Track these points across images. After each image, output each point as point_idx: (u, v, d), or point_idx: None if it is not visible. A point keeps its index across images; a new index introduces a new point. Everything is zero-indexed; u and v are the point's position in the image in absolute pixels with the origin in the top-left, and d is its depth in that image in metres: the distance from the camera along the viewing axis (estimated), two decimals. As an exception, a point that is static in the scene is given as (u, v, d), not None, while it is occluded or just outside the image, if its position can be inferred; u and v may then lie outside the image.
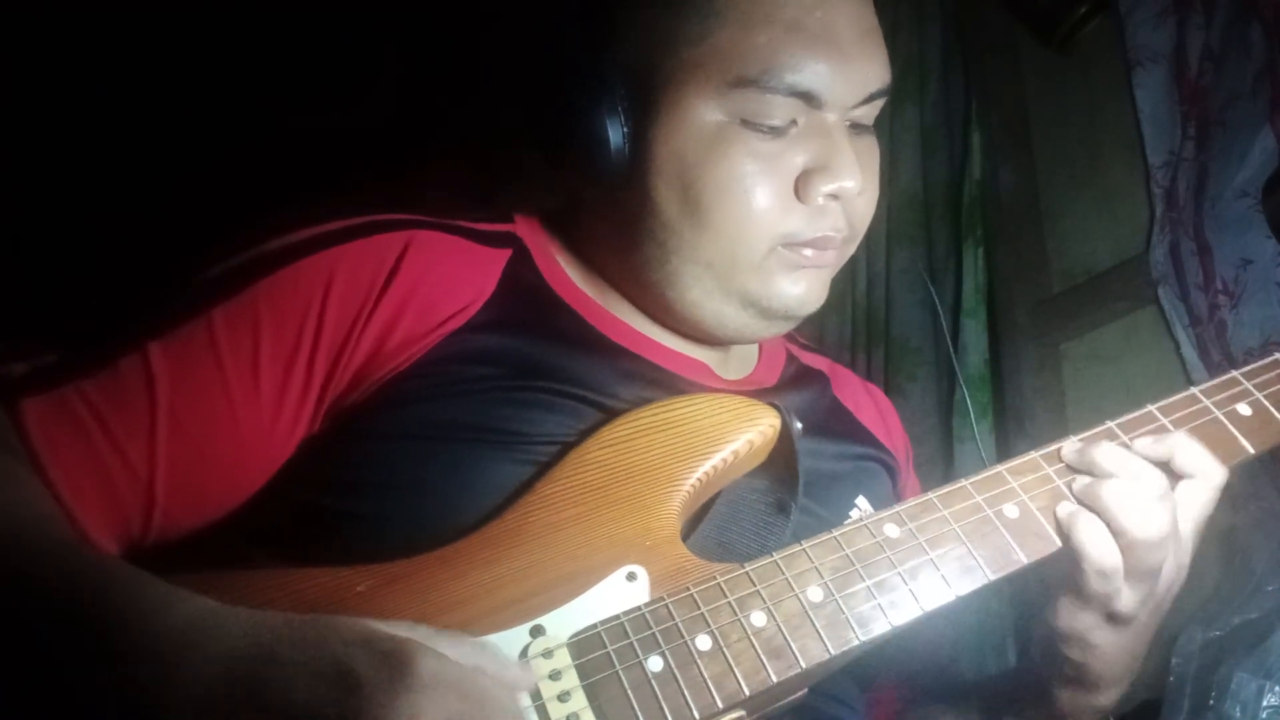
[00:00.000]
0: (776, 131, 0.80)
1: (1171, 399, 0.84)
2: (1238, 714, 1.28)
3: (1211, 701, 1.31)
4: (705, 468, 0.77)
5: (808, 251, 0.83)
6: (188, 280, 0.78)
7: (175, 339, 0.74)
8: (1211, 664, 1.34)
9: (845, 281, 2.37)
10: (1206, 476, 0.77)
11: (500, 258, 0.87)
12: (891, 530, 0.74)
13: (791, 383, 0.99)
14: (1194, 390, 0.85)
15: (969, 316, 2.08)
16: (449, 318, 0.80)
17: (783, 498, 0.81)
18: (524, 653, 0.65)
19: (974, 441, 2.01)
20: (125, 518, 0.72)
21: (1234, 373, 0.85)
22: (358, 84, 2.29)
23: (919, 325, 2.21)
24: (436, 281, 0.80)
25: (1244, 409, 0.83)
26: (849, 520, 0.87)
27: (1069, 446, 0.80)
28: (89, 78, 2.06)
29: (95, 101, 2.07)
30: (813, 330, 2.40)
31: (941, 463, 2.07)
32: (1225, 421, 0.82)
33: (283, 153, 2.05)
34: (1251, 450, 0.82)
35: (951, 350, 2.08)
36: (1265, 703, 1.26)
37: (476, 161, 2.22)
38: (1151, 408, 0.83)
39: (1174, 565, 0.77)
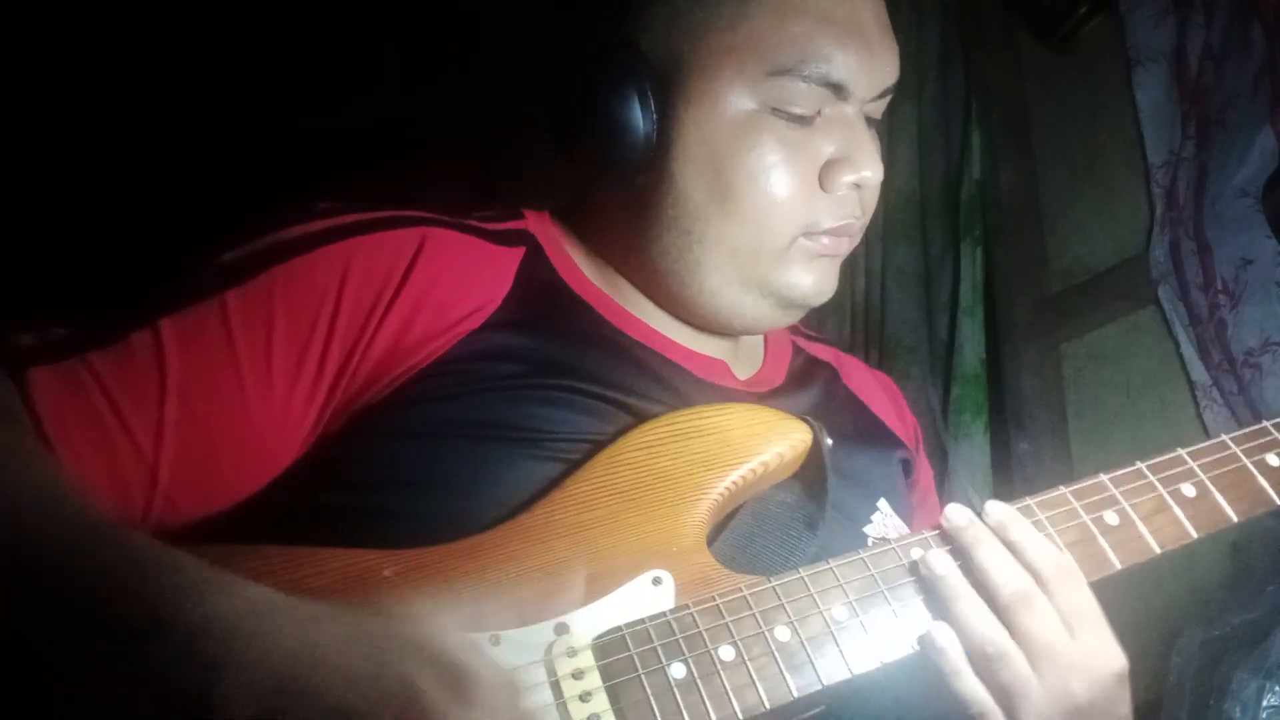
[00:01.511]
0: (803, 121, 0.81)
1: (1201, 445, 0.83)
2: (1238, 714, 1.28)
3: (1211, 701, 1.32)
4: (734, 477, 0.76)
5: (825, 240, 0.84)
6: (203, 261, 0.77)
7: (188, 317, 0.73)
8: (1211, 664, 1.35)
9: (844, 281, 2.37)
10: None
11: (514, 256, 0.87)
12: (919, 554, 0.73)
13: (800, 379, 0.99)
14: (1225, 438, 0.84)
15: (966, 315, 2.09)
16: (465, 317, 0.79)
17: (810, 512, 0.80)
18: (548, 650, 0.65)
19: (969, 441, 2.02)
20: (126, 495, 0.71)
21: (1266, 423, 0.84)
22: (358, 84, 2.28)
23: (913, 324, 2.22)
24: (452, 280, 0.80)
25: (1273, 459, 0.83)
26: (869, 525, 0.87)
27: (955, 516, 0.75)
28: (94, 75, 2.05)
29: (100, 99, 2.06)
30: (813, 324, 2.41)
31: (935, 462, 2.07)
32: (1254, 470, 0.82)
33: (283, 152, 2.04)
34: (1279, 502, 0.81)
35: (957, 347, 2.08)
36: (1265, 703, 1.27)
37: (476, 161, 2.21)
38: (1181, 451, 0.82)
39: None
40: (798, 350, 1.03)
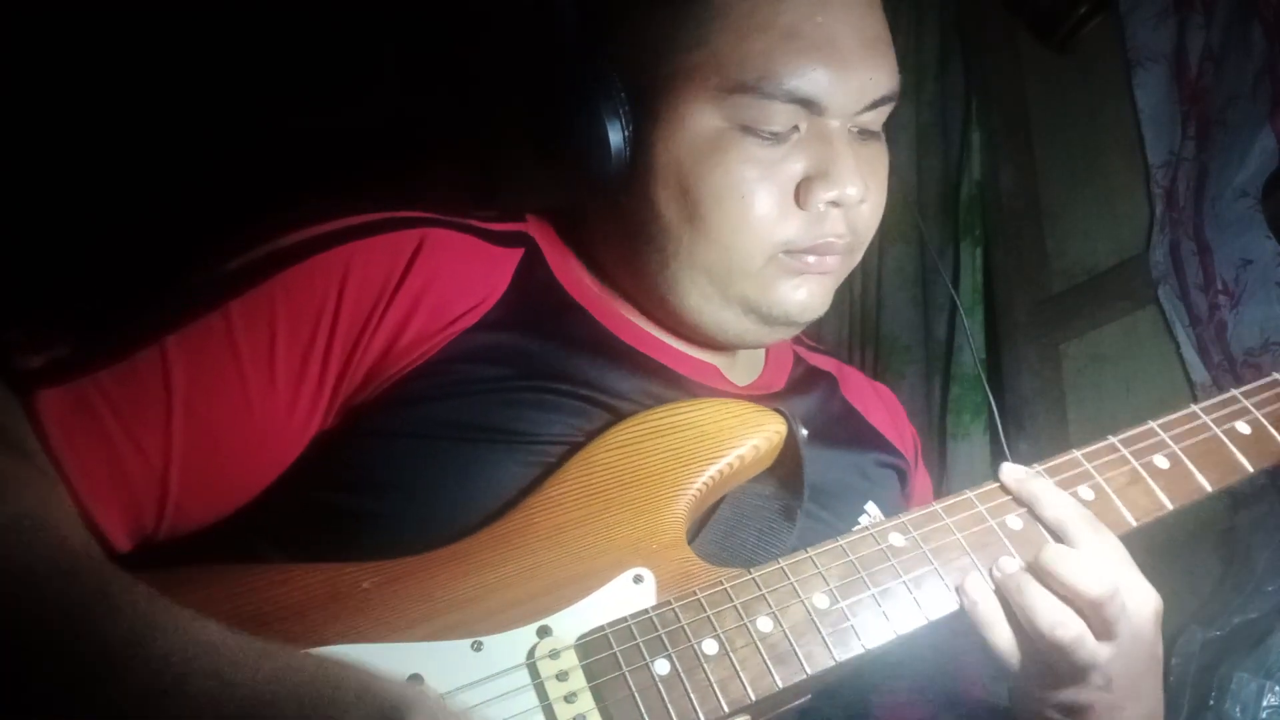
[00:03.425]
0: (777, 138, 0.79)
1: (1172, 416, 0.84)
2: (1238, 714, 1.28)
3: (1211, 701, 1.31)
4: (711, 472, 0.77)
5: (810, 258, 0.83)
6: (203, 273, 0.78)
7: (192, 331, 0.74)
8: (1211, 664, 1.35)
9: (844, 283, 2.38)
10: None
11: (512, 257, 0.87)
12: (896, 539, 0.74)
13: (799, 386, 0.99)
14: (1194, 408, 0.85)
15: (966, 315, 2.09)
16: (460, 316, 0.80)
17: (788, 503, 0.81)
18: (531, 653, 0.65)
19: (969, 440, 2.02)
20: (138, 509, 0.72)
21: (1234, 391, 0.86)
22: (358, 84, 2.28)
23: (909, 324, 2.22)
24: (449, 280, 0.80)
25: (1243, 427, 0.84)
26: (857, 527, 0.87)
27: (1009, 473, 0.80)
28: (92, 76, 2.06)
29: (97, 99, 2.07)
30: (811, 330, 2.41)
31: (932, 461, 2.08)
32: (1224, 439, 0.83)
33: (283, 153, 2.05)
34: (1250, 468, 0.82)
35: (957, 347, 2.09)
36: (1265, 703, 1.27)
37: (476, 161, 2.22)
38: (1153, 424, 0.83)
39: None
40: (798, 360, 1.03)
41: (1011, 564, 0.73)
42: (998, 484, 0.79)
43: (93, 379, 0.71)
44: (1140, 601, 0.73)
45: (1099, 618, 0.70)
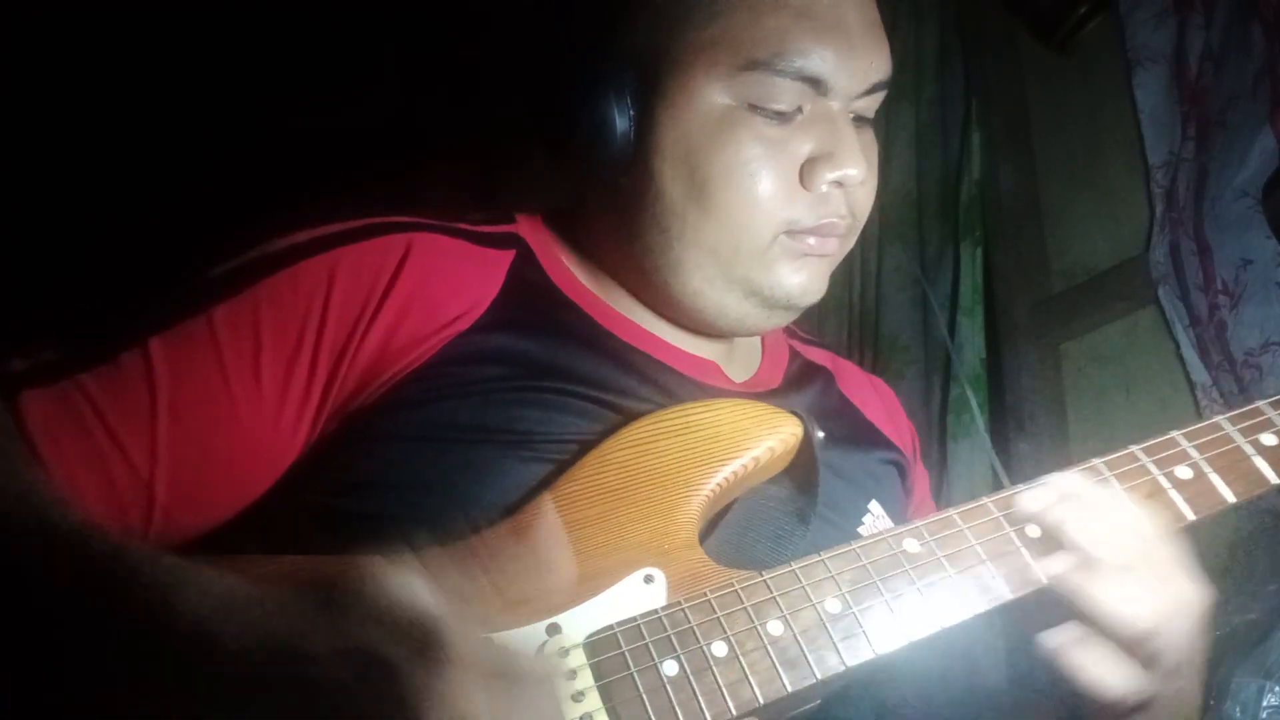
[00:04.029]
0: (783, 117, 0.81)
1: (1195, 426, 0.82)
2: (1238, 714, 1.28)
3: (1211, 702, 1.31)
4: (725, 473, 0.76)
5: (811, 240, 0.84)
6: (190, 278, 0.77)
7: (177, 336, 0.74)
8: (1211, 664, 1.34)
9: (843, 283, 2.38)
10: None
11: (504, 259, 0.87)
12: (911, 545, 0.73)
13: (796, 381, 0.99)
14: (1219, 419, 0.83)
15: (966, 315, 2.09)
16: (454, 319, 0.79)
17: (801, 506, 0.80)
18: (540, 651, 0.65)
19: (969, 440, 2.02)
20: (124, 514, 0.71)
21: (1259, 403, 0.84)
22: (358, 84, 2.28)
23: (909, 324, 2.22)
24: (440, 283, 0.80)
25: (1268, 438, 0.82)
26: (862, 526, 0.87)
27: (1030, 504, 0.76)
28: (90, 76, 2.05)
29: (96, 100, 2.07)
30: (812, 328, 2.41)
31: (931, 461, 2.08)
32: (1249, 450, 0.81)
33: (283, 153, 2.05)
34: (1275, 481, 0.80)
35: (949, 348, 2.09)
36: (1265, 703, 1.26)
37: (476, 161, 2.22)
38: (1175, 434, 0.81)
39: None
40: (794, 354, 1.03)
41: (1055, 564, 0.72)
42: (1014, 491, 0.77)
43: (76, 381, 0.71)
44: (1189, 615, 0.70)
45: (1142, 653, 0.69)
